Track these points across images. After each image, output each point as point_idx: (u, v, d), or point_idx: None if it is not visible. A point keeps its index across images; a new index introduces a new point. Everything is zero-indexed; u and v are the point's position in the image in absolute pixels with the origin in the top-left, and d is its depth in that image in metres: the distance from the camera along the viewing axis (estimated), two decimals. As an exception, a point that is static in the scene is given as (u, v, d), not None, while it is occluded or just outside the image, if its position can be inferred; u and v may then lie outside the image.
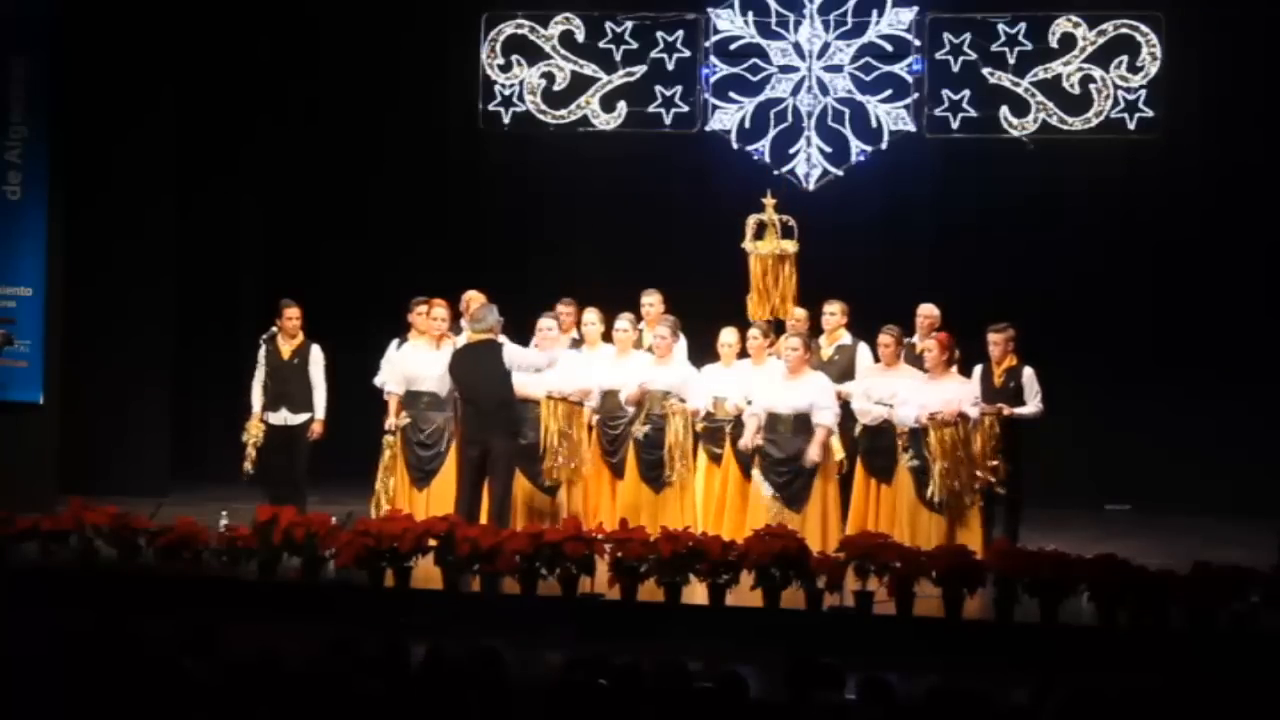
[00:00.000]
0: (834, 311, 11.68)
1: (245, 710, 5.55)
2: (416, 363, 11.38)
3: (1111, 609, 9.23)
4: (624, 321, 11.47)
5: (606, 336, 11.55)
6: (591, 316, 11.64)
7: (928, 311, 11.68)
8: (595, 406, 11.32)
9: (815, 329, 11.78)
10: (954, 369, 10.99)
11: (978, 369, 11.24)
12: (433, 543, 9.91)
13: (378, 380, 11.59)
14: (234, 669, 5.78)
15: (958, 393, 10.73)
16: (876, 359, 11.31)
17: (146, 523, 10.42)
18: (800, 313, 11.75)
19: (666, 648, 7.37)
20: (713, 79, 14.11)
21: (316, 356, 11.69)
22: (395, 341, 11.63)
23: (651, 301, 11.88)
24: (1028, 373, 11.26)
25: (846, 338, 11.68)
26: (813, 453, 10.75)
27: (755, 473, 10.87)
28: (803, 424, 10.85)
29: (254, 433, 11.44)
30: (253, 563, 10.17)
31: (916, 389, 10.81)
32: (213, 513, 10.90)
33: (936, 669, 7.54)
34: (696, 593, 9.70)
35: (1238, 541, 11.09)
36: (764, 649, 8.64)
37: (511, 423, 10.81)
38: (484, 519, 10.65)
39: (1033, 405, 11.17)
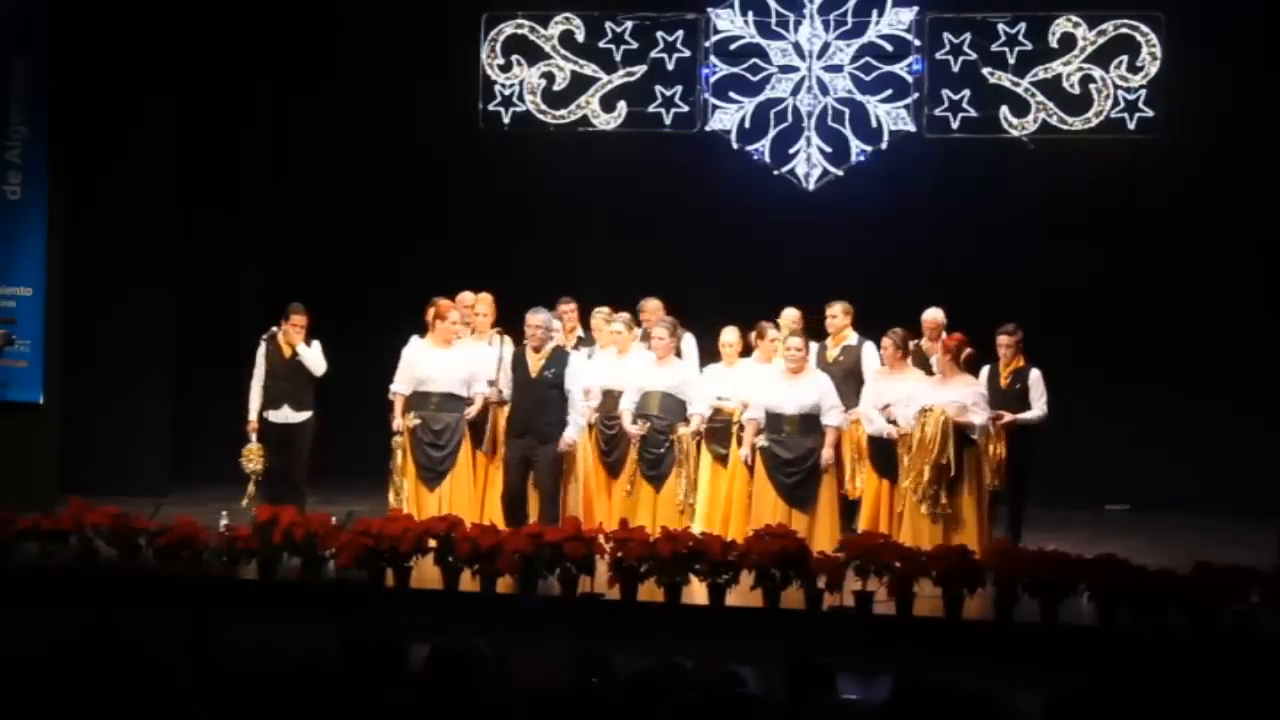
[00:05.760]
0: (835, 314, 11.62)
1: (244, 711, 5.54)
2: (423, 363, 11.38)
3: (1111, 609, 9.24)
4: (619, 324, 11.47)
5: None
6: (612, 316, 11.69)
7: (931, 318, 11.63)
8: (594, 405, 11.34)
9: (816, 329, 11.77)
10: (962, 370, 10.94)
11: (984, 370, 11.24)
12: (433, 543, 9.91)
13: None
14: (232, 670, 5.78)
15: (963, 395, 10.68)
16: (882, 361, 11.29)
17: (146, 523, 10.42)
18: (792, 312, 11.69)
19: (666, 648, 7.36)
20: (713, 79, 14.11)
21: (314, 346, 11.64)
22: (414, 338, 11.61)
23: (652, 307, 11.87)
24: (1034, 375, 11.26)
25: (853, 338, 11.62)
26: (826, 455, 10.79)
27: None
28: (809, 424, 10.85)
29: (255, 460, 11.34)
30: (253, 563, 10.18)
31: (925, 392, 10.77)
32: (213, 513, 10.91)
33: (936, 669, 7.52)
34: (696, 593, 9.70)
35: (1238, 541, 11.08)
36: (764, 649, 8.64)
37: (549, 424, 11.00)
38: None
39: (1036, 409, 11.18)
